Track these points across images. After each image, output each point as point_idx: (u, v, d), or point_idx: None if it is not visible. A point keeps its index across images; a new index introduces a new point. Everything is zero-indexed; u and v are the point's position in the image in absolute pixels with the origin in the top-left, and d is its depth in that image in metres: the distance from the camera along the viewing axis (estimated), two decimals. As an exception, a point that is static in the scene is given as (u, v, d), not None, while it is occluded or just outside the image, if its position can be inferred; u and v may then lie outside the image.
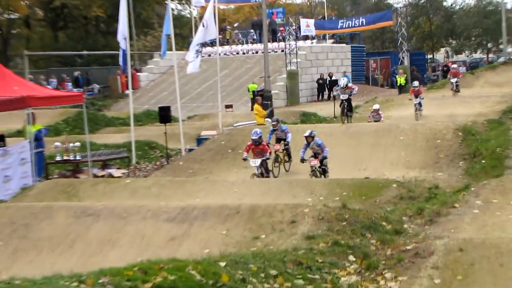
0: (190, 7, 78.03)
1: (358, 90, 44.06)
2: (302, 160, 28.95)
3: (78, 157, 35.09)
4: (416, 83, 42.78)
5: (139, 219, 20.78)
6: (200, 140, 36.61)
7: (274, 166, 29.88)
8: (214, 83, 45.88)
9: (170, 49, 44.35)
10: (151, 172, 34.16)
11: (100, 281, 11.14)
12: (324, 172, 28.80)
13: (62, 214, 21.83)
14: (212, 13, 40.56)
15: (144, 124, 42.82)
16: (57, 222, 21.36)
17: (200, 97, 50.15)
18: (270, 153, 29.64)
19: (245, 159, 30.47)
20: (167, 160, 36.10)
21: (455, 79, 44.39)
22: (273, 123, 31.77)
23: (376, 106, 42.56)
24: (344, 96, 32.99)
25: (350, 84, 31.73)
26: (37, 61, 64.94)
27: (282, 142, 31.23)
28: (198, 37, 39.86)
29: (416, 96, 39.63)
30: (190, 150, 35.60)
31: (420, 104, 39.65)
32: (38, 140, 33.17)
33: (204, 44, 42.36)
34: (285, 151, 31.10)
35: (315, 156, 28.64)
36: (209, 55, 48.98)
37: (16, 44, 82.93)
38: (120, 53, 36.76)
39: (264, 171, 29.31)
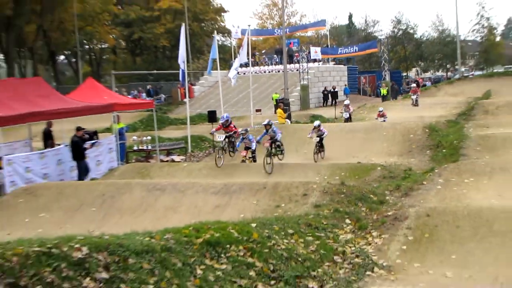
0: (230, 38, 77.86)
1: (350, 103, 44.33)
2: (258, 142, 28.38)
3: (149, 147, 35.62)
4: (381, 108, 42.30)
5: (193, 192, 21.17)
6: (243, 131, 36.85)
7: (267, 163, 26.65)
8: (247, 94, 45.95)
9: (216, 69, 44.79)
10: (202, 158, 34.45)
11: (165, 237, 11.63)
12: (280, 151, 28.41)
13: (138, 188, 22.25)
14: (246, 43, 41.09)
15: (196, 123, 42.84)
16: (134, 194, 21.76)
17: (237, 103, 50.23)
18: (235, 133, 28.55)
19: (211, 133, 31.31)
20: (213, 149, 36.28)
21: (415, 96, 43.87)
22: (266, 125, 29.09)
23: (380, 108, 42.97)
24: (316, 139, 30.32)
25: (322, 128, 30.12)
26: (120, 78, 65.04)
27: (272, 142, 28.50)
28: (237, 60, 40.34)
29: (382, 116, 39.49)
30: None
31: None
32: (121, 134, 33.73)
33: (240, 65, 42.81)
34: (276, 147, 28.48)
35: (272, 140, 27.97)
36: (244, 73, 49.11)
37: (106, 66, 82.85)
38: (180, 72, 37.07)
39: (228, 146, 28.42)
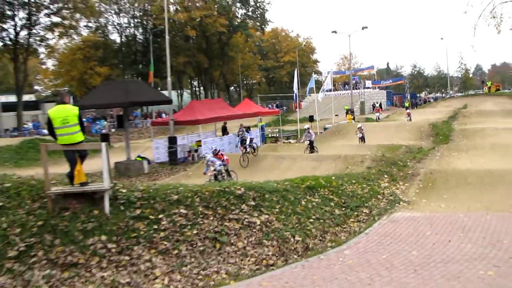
0: (321, 76, 76.81)
1: (378, 111, 43.71)
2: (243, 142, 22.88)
3: (277, 135, 35.73)
4: (408, 110, 41.33)
5: (300, 159, 20.99)
6: (325, 128, 36.49)
7: (243, 160, 22.17)
8: (330, 106, 45.47)
9: (313, 93, 44.61)
10: (305, 141, 34.40)
11: (285, 183, 11.66)
12: (253, 149, 23.19)
13: (270, 157, 22.19)
14: (330, 78, 40.54)
15: (302, 122, 42.68)
16: (269, 160, 21.76)
17: (325, 111, 49.49)
18: (223, 160, 18.21)
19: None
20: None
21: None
22: (240, 132, 23.70)
23: (408, 110, 42.05)
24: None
25: (311, 130, 25.25)
26: (262, 98, 65.67)
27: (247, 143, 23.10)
28: (323, 87, 39.74)
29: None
30: (321, 132, 35.58)
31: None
32: (262, 129, 34.00)
33: (326, 91, 42.21)
34: (250, 148, 23.05)
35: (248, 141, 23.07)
36: (328, 95, 48.45)
37: (255, 92, 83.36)
38: (294, 95, 37.01)
39: (218, 174, 17.49)
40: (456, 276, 7.08)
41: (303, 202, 10.83)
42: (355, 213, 11.27)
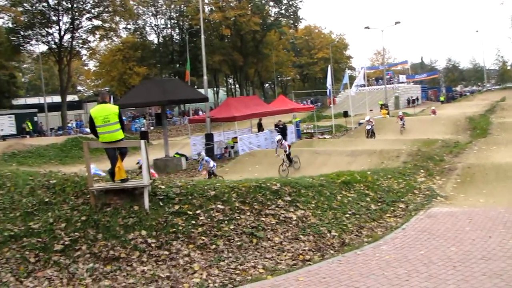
0: (355, 71, 75.67)
1: (420, 103, 42.92)
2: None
3: (312, 130, 35.49)
4: (433, 107, 40.57)
5: (335, 155, 20.66)
6: (360, 123, 36.00)
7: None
8: (364, 101, 44.87)
9: (346, 88, 44.11)
10: (340, 137, 33.89)
11: (320, 178, 11.51)
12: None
13: (305, 153, 21.89)
14: (363, 73, 39.95)
15: (337, 118, 42.22)
16: (304, 156, 21.24)
17: (359, 106, 48.82)
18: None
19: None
20: (346, 131, 35.76)
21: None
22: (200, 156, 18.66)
23: (432, 107, 41.22)
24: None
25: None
26: (297, 94, 65.33)
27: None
28: (356, 82, 39.21)
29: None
30: (355, 127, 35.18)
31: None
32: (297, 125, 33.83)
33: (360, 86, 41.56)
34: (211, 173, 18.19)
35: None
36: (362, 90, 47.72)
37: (289, 88, 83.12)
38: (328, 90, 36.72)
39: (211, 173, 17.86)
40: (499, 273, 6.79)
41: (338, 197, 10.68)
42: (391, 208, 11.03)
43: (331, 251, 8.48)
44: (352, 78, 51.79)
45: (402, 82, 67.47)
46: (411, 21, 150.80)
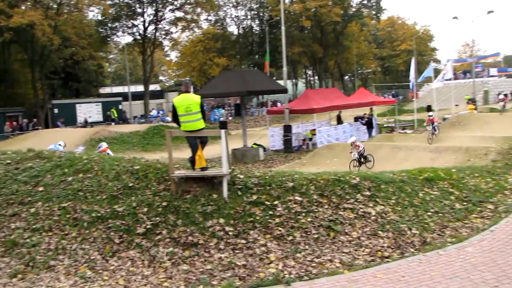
0: (440, 64, 72.34)
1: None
2: None
3: (392, 125, 34.57)
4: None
5: (417, 150, 20.16)
6: (444, 119, 34.50)
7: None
8: (450, 96, 42.83)
9: (429, 82, 42.38)
10: (423, 132, 32.54)
11: (402, 174, 11.17)
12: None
13: (386, 147, 21.54)
14: (450, 67, 38.16)
15: (419, 112, 40.60)
16: (384, 150, 21.04)
17: (444, 101, 46.71)
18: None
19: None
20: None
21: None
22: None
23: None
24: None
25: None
26: (377, 87, 63.86)
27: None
28: (439, 77, 37.52)
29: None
30: (440, 123, 33.78)
31: None
32: (373, 119, 33.08)
33: (446, 80, 39.65)
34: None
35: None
36: (448, 84, 45.54)
37: (370, 81, 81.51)
38: (410, 84, 35.58)
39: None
40: None
41: (420, 194, 10.32)
42: (478, 208, 10.47)
43: (411, 249, 8.23)
44: (437, 72, 49.75)
45: (493, 76, 63.74)
46: (505, 10, 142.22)
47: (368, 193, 9.63)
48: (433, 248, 8.15)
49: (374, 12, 67.34)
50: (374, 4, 66.50)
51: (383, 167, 15.39)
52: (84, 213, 8.46)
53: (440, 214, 9.71)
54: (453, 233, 9.06)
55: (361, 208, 9.13)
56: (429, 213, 9.63)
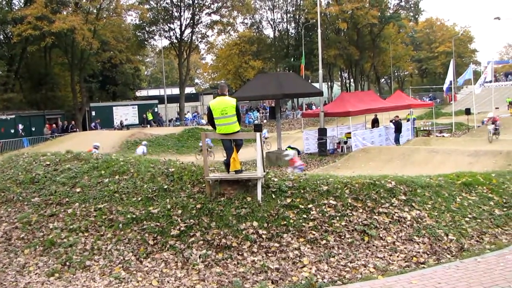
0: (480, 66, 70.78)
1: None
2: None
3: (429, 128, 33.95)
4: None
5: (455, 154, 19.76)
6: (483, 122, 33.48)
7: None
8: (490, 98, 41.68)
9: (469, 84, 41.35)
10: (461, 135, 31.99)
11: (438, 178, 10.95)
12: None
13: (422, 151, 21.15)
14: (490, 68, 37.17)
15: (457, 115, 39.74)
16: (420, 154, 20.69)
17: (484, 104, 45.55)
18: None
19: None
20: (468, 129, 33.74)
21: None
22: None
23: None
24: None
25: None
26: (414, 90, 62.88)
27: None
28: (479, 80, 36.57)
29: None
30: (478, 126, 32.95)
31: None
32: (413, 122, 32.53)
33: (486, 82, 38.66)
34: None
35: None
36: (488, 86, 44.31)
37: (406, 84, 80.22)
38: (445, 86, 34.79)
39: None
40: None
41: (458, 199, 10.08)
42: (519, 215, 10.19)
43: (448, 256, 8.06)
44: (476, 74, 48.52)
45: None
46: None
47: (403, 197, 9.48)
48: (470, 255, 7.96)
49: (412, 14, 66.29)
50: (412, 5, 65.48)
51: (419, 171, 15.14)
52: (119, 215, 8.65)
53: (478, 220, 9.47)
54: (492, 239, 8.84)
55: (396, 212, 9.00)
56: (466, 219, 9.41)
